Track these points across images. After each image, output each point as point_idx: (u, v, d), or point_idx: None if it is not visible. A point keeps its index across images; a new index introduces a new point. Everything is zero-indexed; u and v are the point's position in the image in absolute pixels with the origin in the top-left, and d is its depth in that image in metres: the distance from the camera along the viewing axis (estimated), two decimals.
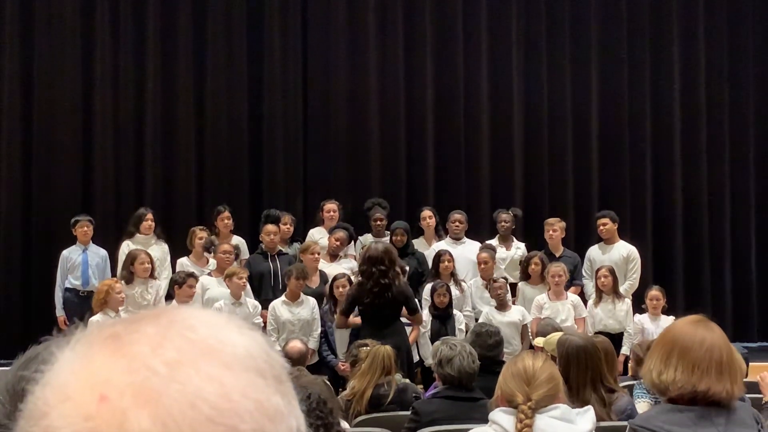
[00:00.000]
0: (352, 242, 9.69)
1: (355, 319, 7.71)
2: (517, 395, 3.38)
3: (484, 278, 9.12)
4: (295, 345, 6.92)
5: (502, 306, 8.63)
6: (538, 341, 6.99)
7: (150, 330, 0.69)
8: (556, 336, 6.84)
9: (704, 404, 2.73)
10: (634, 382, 6.25)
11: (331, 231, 9.40)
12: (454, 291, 8.75)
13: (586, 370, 4.83)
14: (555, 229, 9.70)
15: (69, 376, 0.68)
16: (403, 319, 7.82)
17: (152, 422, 0.64)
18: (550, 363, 3.48)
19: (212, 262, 9.09)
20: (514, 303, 8.97)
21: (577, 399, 4.62)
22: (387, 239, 9.20)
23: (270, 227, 9.23)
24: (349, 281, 8.24)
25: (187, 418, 0.64)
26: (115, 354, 0.68)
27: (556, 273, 8.74)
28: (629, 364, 8.36)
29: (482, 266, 9.14)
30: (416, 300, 8.05)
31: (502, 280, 8.83)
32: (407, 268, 8.83)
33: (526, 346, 8.32)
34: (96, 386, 0.66)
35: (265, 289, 8.88)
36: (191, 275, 8.38)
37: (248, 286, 8.63)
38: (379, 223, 9.74)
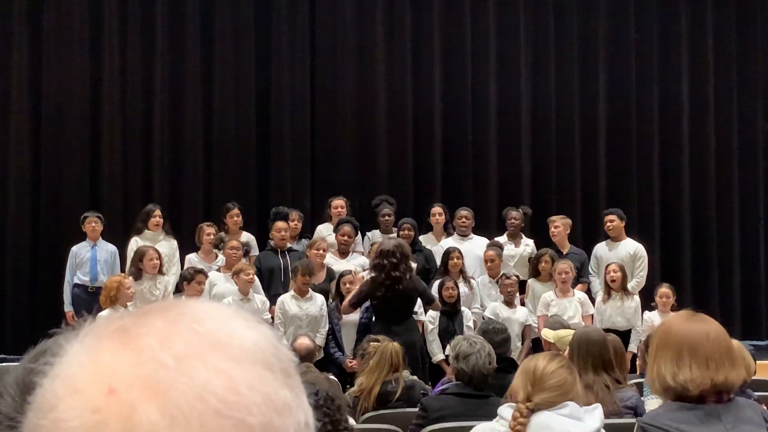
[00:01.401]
0: (360, 236, 9.71)
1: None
2: (519, 392, 3.40)
3: (492, 275, 9.12)
4: (303, 341, 6.93)
5: (509, 303, 8.63)
6: (546, 333, 6.98)
7: (158, 323, 0.69)
8: (568, 335, 6.84)
9: (715, 398, 2.72)
10: (643, 380, 6.24)
11: (335, 228, 9.41)
12: (463, 288, 8.74)
13: (587, 355, 4.87)
14: (557, 225, 9.68)
15: (77, 368, 0.68)
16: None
17: (160, 415, 0.64)
18: (566, 368, 3.47)
19: (221, 258, 9.11)
20: (523, 301, 8.97)
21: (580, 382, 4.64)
22: (394, 235, 9.20)
23: (280, 224, 9.24)
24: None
25: (195, 411, 0.64)
26: (123, 347, 0.68)
27: (563, 270, 8.73)
28: (637, 362, 8.36)
29: (489, 264, 9.14)
30: (430, 291, 8.04)
31: (515, 278, 8.81)
32: (414, 265, 8.83)
33: (527, 346, 8.34)
34: (104, 379, 0.66)
35: (275, 285, 8.90)
36: (200, 271, 8.41)
37: (258, 282, 8.64)
38: (387, 218, 9.75)
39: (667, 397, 2.78)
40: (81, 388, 0.67)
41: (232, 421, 0.65)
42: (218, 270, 8.86)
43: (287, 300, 8.28)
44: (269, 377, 0.69)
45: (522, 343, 8.56)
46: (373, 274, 7.55)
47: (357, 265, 8.90)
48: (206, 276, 8.42)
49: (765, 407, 3.15)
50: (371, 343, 5.92)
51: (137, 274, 8.46)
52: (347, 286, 8.20)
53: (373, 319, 7.73)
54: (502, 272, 9.02)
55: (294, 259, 9.02)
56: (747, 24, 12.83)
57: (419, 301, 7.90)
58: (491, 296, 9.05)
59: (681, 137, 12.59)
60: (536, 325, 8.54)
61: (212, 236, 9.21)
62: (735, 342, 2.91)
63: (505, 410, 3.44)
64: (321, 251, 8.83)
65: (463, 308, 8.54)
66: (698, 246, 12.49)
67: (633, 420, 3.47)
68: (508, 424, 3.35)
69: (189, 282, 8.23)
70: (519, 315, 8.62)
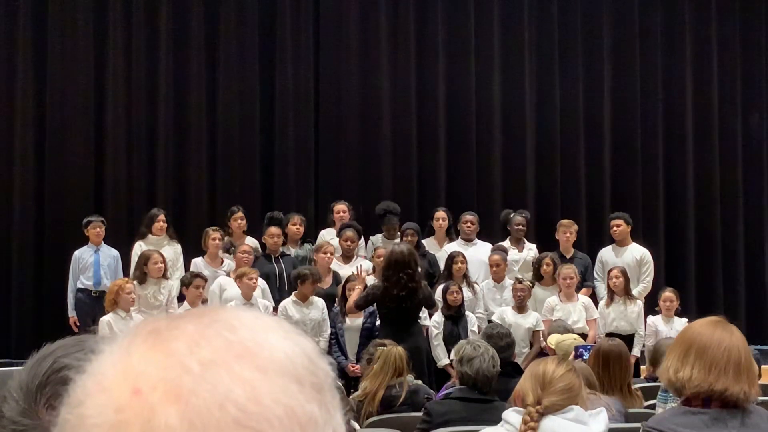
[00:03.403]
0: (363, 241, 9.69)
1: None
2: (529, 395, 3.39)
3: (496, 280, 9.10)
4: (314, 345, 6.91)
5: (520, 308, 8.59)
6: (551, 340, 6.99)
7: (190, 328, 0.69)
8: (567, 340, 6.85)
9: (720, 405, 2.72)
10: (647, 384, 6.22)
11: (338, 233, 9.39)
12: (467, 292, 8.72)
13: None
14: (571, 231, 9.68)
15: (108, 367, 0.69)
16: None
17: (179, 420, 0.64)
18: (573, 373, 3.47)
19: (227, 263, 9.09)
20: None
21: None
22: (398, 240, 9.19)
23: (273, 229, 9.23)
24: None
25: (213, 418, 0.64)
26: (153, 349, 0.68)
27: (567, 275, 8.72)
28: (641, 367, 8.35)
29: (494, 268, 9.12)
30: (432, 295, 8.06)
31: (528, 283, 8.77)
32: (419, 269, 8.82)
33: (536, 351, 8.31)
34: (130, 379, 0.67)
35: (270, 290, 8.88)
36: (198, 276, 8.39)
37: (266, 287, 8.62)
38: (392, 232, 9.72)
39: (670, 391, 2.79)
40: (108, 386, 0.67)
41: (251, 431, 0.65)
42: (228, 275, 8.83)
43: (289, 306, 8.28)
44: (296, 390, 0.68)
45: (531, 347, 8.51)
46: (386, 284, 7.43)
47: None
48: (205, 280, 8.39)
49: None
50: (378, 347, 5.91)
51: (142, 279, 8.46)
52: (350, 292, 8.17)
53: (378, 324, 7.72)
54: (515, 277, 8.97)
55: (288, 264, 9.00)
56: (751, 27, 12.84)
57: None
58: (496, 300, 9.03)
59: (685, 141, 12.59)
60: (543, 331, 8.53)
61: (218, 241, 9.19)
62: (754, 362, 2.90)
63: (511, 415, 3.43)
64: (328, 255, 8.81)
65: (467, 312, 8.53)
66: (703, 250, 12.48)
67: (638, 424, 3.46)
68: (519, 428, 3.34)
69: (187, 286, 8.22)
70: (528, 320, 8.57)
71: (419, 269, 7.50)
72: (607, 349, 5.54)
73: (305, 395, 0.68)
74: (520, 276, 8.97)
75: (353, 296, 7.75)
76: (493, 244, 9.69)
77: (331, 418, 0.70)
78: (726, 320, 2.92)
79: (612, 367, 5.43)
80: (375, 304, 7.65)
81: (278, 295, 8.73)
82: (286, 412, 0.66)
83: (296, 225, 9.63)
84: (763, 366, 6.82)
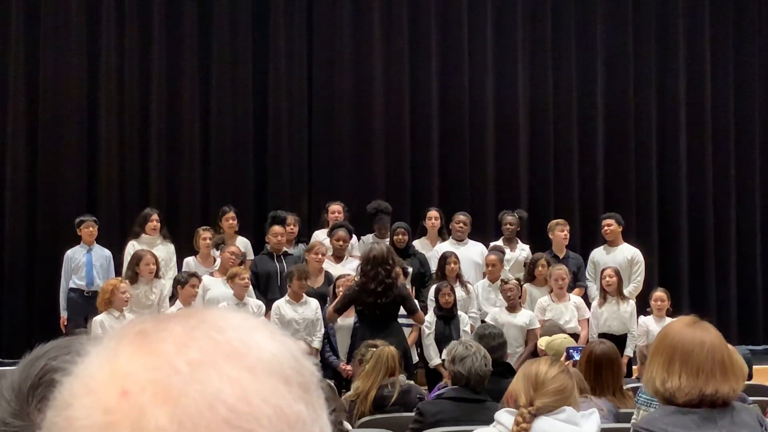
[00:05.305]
0: (356, 241, 9.69)
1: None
2: (521, 396, 3.39)
3: (492, 280, 9.09)
4: (299, 346, 6.91)
5: (512, 308, 8.58)
6: (541, 342, 7.01)
7: (178, 329, 0.70)
8: (557, 339, 6.86)
9: (708, 405, 2.72)
10: (640, 385, 6.23)
11: (330, 233, 9.39)
12: (460, 292, 8.72)
13: None
14: (567, 230, 9.72)
15: (95, 369, 0.69)
16: (402, 320, 7.85)
17: (169, 421, 0.64)
18: (566, 374, 3.47)
19: (219, 262, 9.09)
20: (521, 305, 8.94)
21: None
22: (388, 240, 9.21)
23: (277, 228, 9.24)
24: None
25: (204, 418, 0.64)
26: (140, 350, 0.68)
27: (559, 276, 8.73)
28: (634, 367, 8.36)
29: (490, 268, 9.12)
30: (414, 300, 8.10)
31: (515, 281, 8.78)
32: (410, 269, 8.83)
33: (530, 350, 8.30)
34: (118, 381, 0.67)
35: (272, 289, 8.89)
36: (194, 275, 8.39)
37: (251, 287, 8.63)
38: (383, 231, 9.74)
39: (657, 400, 2.78)
40: (95, 388, 0.67)
41: (241, 431, 0.65)
42: (212, 274, 8.83)
43: (282, 305, 8.28)
44: (284, 390, 0.68)
45: (525, 345, 8.49)
46: (363, 279, 7.55)
47: (352, 269, 8.88)
48: (200, 280, 8.40)
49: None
50: (369, 348, 5.91)
51: (133, 278, 8.45)
52: (341, 289, 8.19)
53: (357, 324, 7.79)
54: (500, 278, 8.98)
55: (290, 263, 9.01)
56: (744, 24, 12.86)
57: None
58: (490, 300, 9.02)
59: (678, 142, 12.61)
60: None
61: (208, 241, 9.20)
62: (736, 355, 2.90)
63: (503, 415, 3.43)
64: (320, 255, 8.82)
65: (459, 313, 8.52)
66: (695, 251, 12.50)
67: (628, 425, 3.48)
68: (511, 429, 3.34)
69: (183, 286, 8.21)
70: (520, 319, 8.56)
71: (397, 268, 7.62)
72: (599, 355, 5.50)
73: (293, 395, 0.69)
74: (505, 277, 8.97)
75: (333, 303, 7.83)
76: (484, 244, 9.71)
77: (318, 417, 0.70)
78: (699, 318, 2.91)
79: (604, 373, 5.39)
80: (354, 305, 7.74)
81: (279, 293, 8.73)
82: (275, 411, 0.67)
83: (290, 225, 9.63)
84: (756, 366, 6.84)
